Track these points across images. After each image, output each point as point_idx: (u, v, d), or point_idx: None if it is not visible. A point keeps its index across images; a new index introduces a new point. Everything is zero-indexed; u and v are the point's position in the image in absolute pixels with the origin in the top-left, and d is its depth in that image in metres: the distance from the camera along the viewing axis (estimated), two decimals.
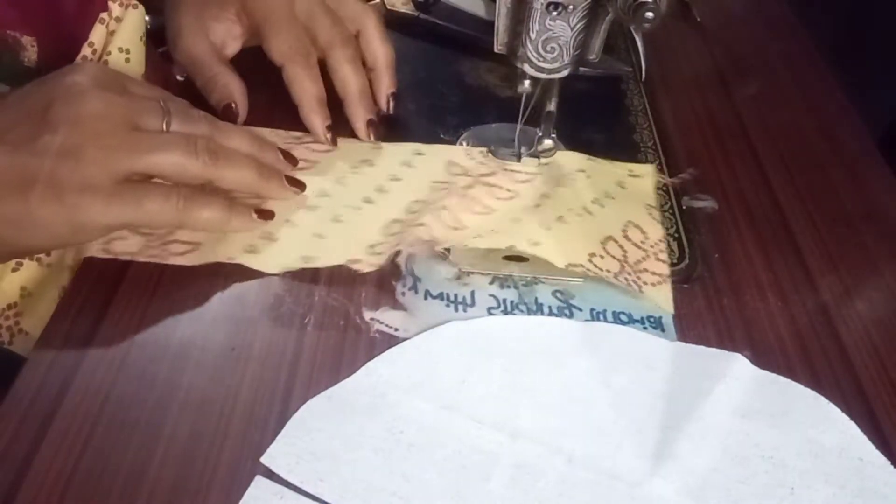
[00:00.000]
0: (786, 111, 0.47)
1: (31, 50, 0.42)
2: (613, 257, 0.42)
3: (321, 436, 0.33)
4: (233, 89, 0.46)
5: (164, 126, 0.37)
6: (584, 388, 0.36)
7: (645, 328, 0.39)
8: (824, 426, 0.35)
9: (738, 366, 0.37)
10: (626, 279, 0.40)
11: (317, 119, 0.46)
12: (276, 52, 0.46)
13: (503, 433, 0.34)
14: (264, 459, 0.32)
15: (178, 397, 0.34)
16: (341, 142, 0.48)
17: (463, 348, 0.37)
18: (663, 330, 0.39)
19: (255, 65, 0.47)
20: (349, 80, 0.47)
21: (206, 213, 0.37)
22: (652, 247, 0.43)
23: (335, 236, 0.42)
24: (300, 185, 0.43)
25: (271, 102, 0.48)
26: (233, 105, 0.46)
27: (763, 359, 0.38)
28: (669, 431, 0.35)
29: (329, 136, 0.47)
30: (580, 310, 0.40)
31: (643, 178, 0.48)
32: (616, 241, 0.43)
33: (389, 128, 0.50)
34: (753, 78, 0.60)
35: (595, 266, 0.40)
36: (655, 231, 0.44)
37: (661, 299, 0.40)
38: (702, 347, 0.38)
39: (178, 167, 0.37)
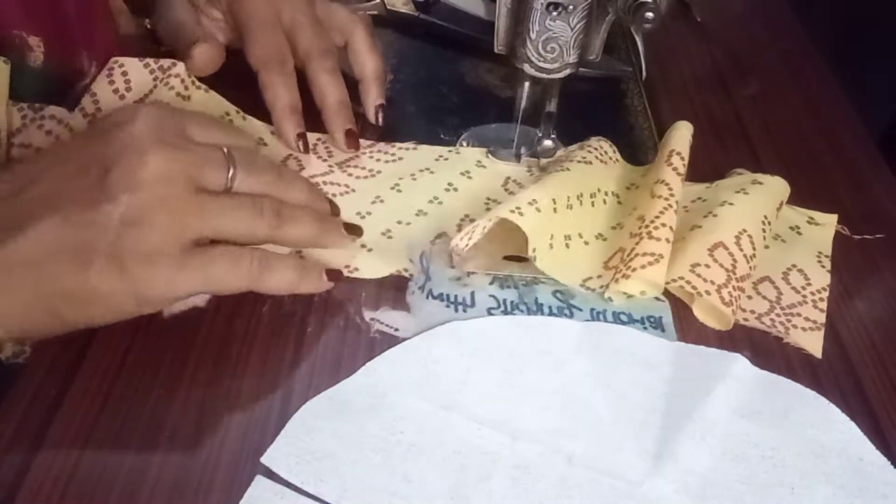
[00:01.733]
0: (786, 111, 0.47)
1: (37, 51, 0.42)
2: (764, 297, 0.41)
3: (321, 436, 0.33)
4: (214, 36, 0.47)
5: (229, 180, 0.35)
6: (584, 389, 0.36)
7: (645, 328, 0.39)
8: (824, 426, 0.35)
9: (738, 366, 0.37)
10: (771, 321, 0.40)
11: (288, 126, 0.46)
12: (253, 56, 0.46)
13: (503, 433, 0.34)
14: (264, 459, 0.32)
15: (179, 397, 0.34)
16: (406, 153, 0.48)
17: (463, 348, 0.37)
18: (663, 330, 0.39)
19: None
20: (326, 90, 0.47)
21: (277, 276, 0.36)
22: (813, 294, 0.42)
23: (382, 249, 0.42)
24: (357, 232, 0.41)
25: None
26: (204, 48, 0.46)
27: (763, 359, 0.38)
28: (669, 431, 0.35)
29: (301, 143, 0.46)
30: (580, 310, 0.40)
31: (823, 226, 0.47)
32: (773, 283, 0.42)
33: (389, 129, 0.50)
34: (753, 78, 0.60)
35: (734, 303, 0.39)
36: (821, 279, 0.43)
37: (811, 345, 0.39)
38: (702, 347, 0.38)
39: (244, 231, 0.35)
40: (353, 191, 0.45)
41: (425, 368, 0.36)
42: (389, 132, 0.49)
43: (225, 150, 0.35)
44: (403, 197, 0.45)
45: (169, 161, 0.32)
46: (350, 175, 0.46)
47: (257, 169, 0.36)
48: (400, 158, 0.48)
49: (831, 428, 0.35)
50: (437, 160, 0.48)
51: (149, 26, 0.52)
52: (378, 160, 0.48)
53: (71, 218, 0.30)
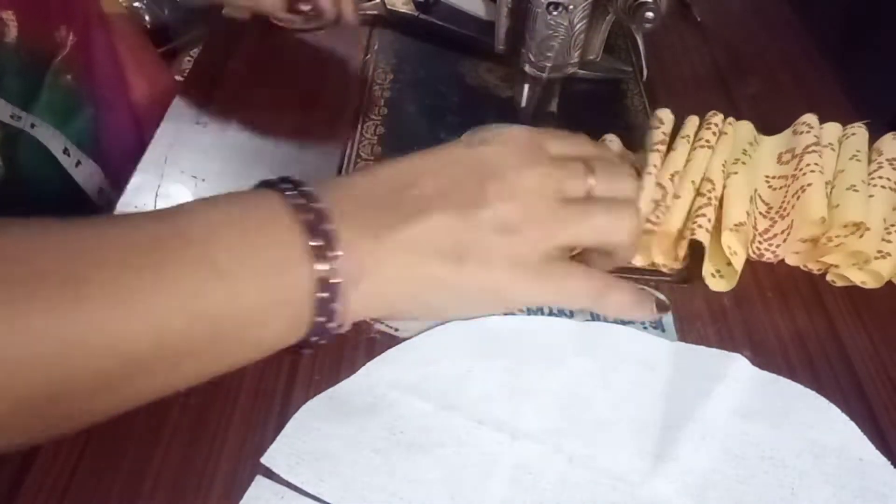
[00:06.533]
0: (786, 111, 0.47)
1: (11, 26, 0.41)
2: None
3: (322, 436, 0.33)
4: None
5: (590, 188, 0.36)
6: (584, 389, 0.36)
7: (645, 328, 0.39)
8: (824, 426, 0.35)
9: (738, 366, 0.37)
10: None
11: None
12: None
13: (503, 433, 0.34)
14: (265, 460, 0.32)
15: (179, 397, 0.34)
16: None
17: (463, 348, 0.37)
18: (663, 330, 0.39)
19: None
20: None
21: (618, 297, 0.37)
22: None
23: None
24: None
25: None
26: None
27: (763, 359, 0.38)
28: (669, 431, 0.35)
29: None
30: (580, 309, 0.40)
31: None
32: None
33: (389, 130, 0.50)
34: (753, 78, 0.60)
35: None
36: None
37: None
38: (701, 347, 0.38)
39: (602, 238, 0.36)
40: None
41: (425, 368, 0.36)
42: (390, 133, 0.49)
43: (584, 162, 0.37)
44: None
45: (538, 176, 0.35)
46: None
47: (615, 175, 0.38)
48: None
49: (831, 428, 0.35)
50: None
51: None
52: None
53: (455, 217, 0.33)
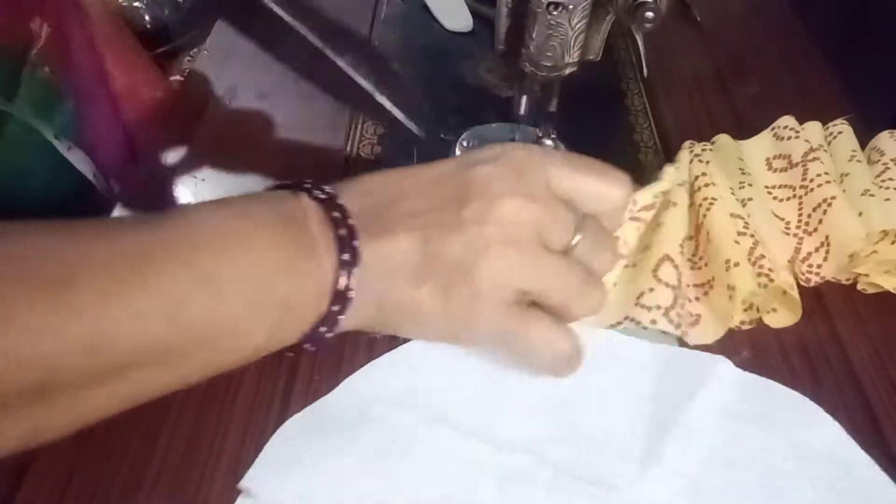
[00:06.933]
0: (786, 111, 0.47)
1: None
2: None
3: (302, 455, 0.33)
4: None
5: (572, 244, 0.34)
6: (569, 394, 0.36)
7: (645, 328, 0.39)
8: (811, 428, 0.35)
9: (722, 368, 0.37)
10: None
11: None
12: None
13: (489, 444, 0.34)
14: (244, 483, 0.32)
15: (179, 398, 0.34)
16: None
17: (446, 359, 0.37)
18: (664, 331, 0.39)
19: None
20: None
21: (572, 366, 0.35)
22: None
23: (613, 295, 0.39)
24: None
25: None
26: None
27: (763, 359, 0.38)
28: (656, 435, 0.34)
29: None
30: None
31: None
32: None
33: (389, 130, 0.50)
34: (753, 78, 0.60)
35: None
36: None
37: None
38: (685, 350, 0.38)
39: (565, 301, 0.33)
40: None
41: (408, 380, 0.36)
42: (390, 133, 0.49)
43: (576, 217, 0.34)
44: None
45: (521, 209, 0.32)
46: None
47: (600, 244, 0.35)
48: None
49: (817, 430, 0.35)
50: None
51: None
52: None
53: (424, 239, 0.31)
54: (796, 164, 0.43)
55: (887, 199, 0.42)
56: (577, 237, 0.34)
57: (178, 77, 0.53)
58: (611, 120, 0.55)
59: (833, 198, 0.41)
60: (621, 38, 0.60)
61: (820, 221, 0.41)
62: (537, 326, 0.33)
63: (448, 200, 0.33)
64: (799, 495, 0.33)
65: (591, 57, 0.44)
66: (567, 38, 0.41)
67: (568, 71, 0.43)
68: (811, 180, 0.42)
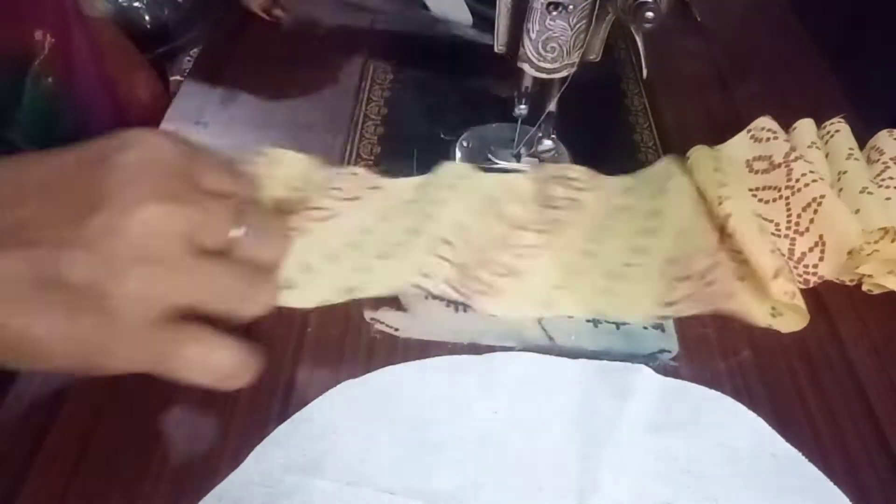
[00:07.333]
0: (786, 111, 0.47)
1: None
2: None
3: None
4: None
5: (233, 242, 0.30)
6: (495, 430, 0.34)
7: (645, 328, 0.39)
8: (734, 428, 0.35)
9: (642, 377, 0.36)
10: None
11: None
12: None
13: (417, 500, 0.31)
14: None
15: (178, 398, 0.34)
16: (385, 181, 0.45)
17: (360, 412, 0.34)
18: (664, 331, 0.39)
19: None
20: None
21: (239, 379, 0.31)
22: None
23: (381, 269, 0.40)
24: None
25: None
26: None
27: (763, 359, 0.38)
28: (588, 462, 0.33)
29: None
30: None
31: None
32: None
33: (389, 130, 0.50)
34: (753, 78, 0.60)
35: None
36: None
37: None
38: (604, 362, 0.37)
39: (227, 312, 0.30)
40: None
41: (322, 442, 0.33)
42: (390, 133, 0.49)
43: (237, 206, 0.30)
44: (392, 225, 0.43)
45: (162, 217, 0.27)
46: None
47: (267, 233, 0.32)
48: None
49: (741, 428, 0.35)
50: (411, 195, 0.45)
51: None
52: (359, 186, 0.45)
53: (34, 260, 0.26)
54: (779, 165, 0.43)
55: (888, 199, 0.42)
56: (240, 230, 0.30)
57: (178, 77, 0.53)
58: (611, 120, 0.55)
59: (822, 196, 0.41)
60: (621, 38, 0.60)
61: (811, 221, 0.41)
62: (192, 346, 0.29)
63: (71, 207, 0.27)
64: (736, 501, 0.32)
65: (591, 57, 0.44)
66: (567, 38, 0.41)
67: (568, 71, 0.43)
68: (797, 180, 0.42)
